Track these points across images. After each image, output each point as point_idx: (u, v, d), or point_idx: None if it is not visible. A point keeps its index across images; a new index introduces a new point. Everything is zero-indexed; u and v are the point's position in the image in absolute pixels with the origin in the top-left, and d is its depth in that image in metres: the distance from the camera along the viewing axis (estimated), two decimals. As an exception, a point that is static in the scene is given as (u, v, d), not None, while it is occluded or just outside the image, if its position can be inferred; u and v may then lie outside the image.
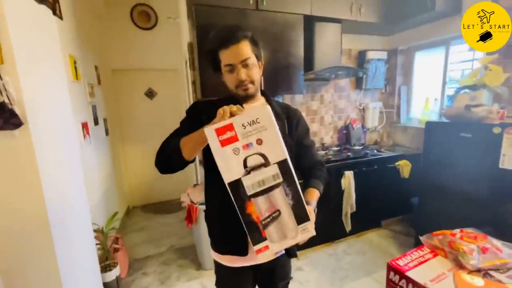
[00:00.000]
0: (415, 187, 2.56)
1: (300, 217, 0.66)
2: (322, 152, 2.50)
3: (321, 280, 2.01)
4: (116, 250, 2.05)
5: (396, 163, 2.59)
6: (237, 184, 0.63)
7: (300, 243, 0.71)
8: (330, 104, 2.91)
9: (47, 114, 1.21)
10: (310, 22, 2.32)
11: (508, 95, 1.89)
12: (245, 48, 0.87)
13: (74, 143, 1.55)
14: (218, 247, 1.01)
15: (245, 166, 0.62)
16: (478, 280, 0.78)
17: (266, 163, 0.62)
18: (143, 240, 2.74)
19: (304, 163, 1.07)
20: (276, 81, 2.21)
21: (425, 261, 1.17)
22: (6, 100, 0.92)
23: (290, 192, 0.64)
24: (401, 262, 1.16)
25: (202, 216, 2.02)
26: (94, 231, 1.80)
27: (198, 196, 2.10)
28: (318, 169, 1.07)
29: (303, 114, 3.07)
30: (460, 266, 1.10)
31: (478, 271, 1.04)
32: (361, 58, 2.90)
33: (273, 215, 0.64)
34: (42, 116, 1.14)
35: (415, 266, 1.13)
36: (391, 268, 1.15)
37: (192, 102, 2.26)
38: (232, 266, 0.99)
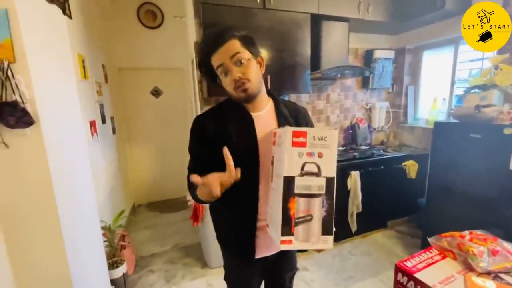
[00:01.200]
0: (422, 188, 2.55)
1: (326, 229, 0.74)
2: (327, 152, 2.49)
3: (326, 280, 2.00)
4: (123, 247, 2.07)
5: (403, 164, 2.57)
6: (290, 180, 0.71)
7: (317, 251, 0.79)
8: (336, 103, 2.89)
9: (57, 112, 1.22)
10: (317, 21, 2.30)
11: (519, 95, 1.86)
12: (234, 46, 0.82)
13: (82, 141, 1.57)
14: (227, 248, 1.03)
15: (302, 169, 0.71)
16: (490, 283, 0.77)
17: (318, 174, 0.71)
18: (148, 238, 2.77)
19: None
20: (282, 81, 2.20)
21: (434, 262, 1.16)
22: (19, 99, 0.94)
23: (326, 205, 0.73)
24: (409, 264, 1.15)
25: (208, 215, 2.03)
26: (102, 228, 1.82)
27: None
28: None
29: (309, 113, 3.06)
30: (469, 268, 1.08)
31: (488, 273, 1.03)
32: (368, 57, 2.88)
33: (306, 217, 0.72)
34: (52, 115, 1.15)
35: (424, 267, 1.12)
36: (399, 269, 1.14)
37: (198, 101, 2.27)
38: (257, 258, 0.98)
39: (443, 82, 2.71)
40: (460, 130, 1.97)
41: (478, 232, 1.27)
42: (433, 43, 2.75)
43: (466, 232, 1.25)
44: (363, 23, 2.49)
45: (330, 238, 0.75)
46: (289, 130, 0.71)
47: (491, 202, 1.79)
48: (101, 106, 2.50)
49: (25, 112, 0.95)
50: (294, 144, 0.71)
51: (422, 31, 2.72)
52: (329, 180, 0.72)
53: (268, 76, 2.08)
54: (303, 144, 0.71)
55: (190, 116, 3.28)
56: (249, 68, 0.84)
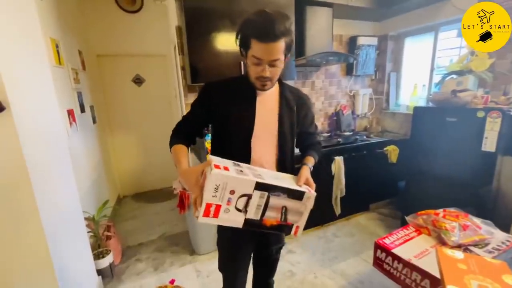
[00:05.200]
0: (402, 171, 2.65)
1: (298, 196, 0.84)
2: (313, 138, 2.53)
3: (311, 262, 2.08)
4: (108, 237, 2.05)
5: (385, 149, 2.65)
6: (247, 222, 0.80)
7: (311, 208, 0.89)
8: (321, 90, 2.92)
9: (30, 99, 1.16)
10: (301, 5, 2.27)
11: (492, 80, 1.94)
12: (279, 49, 0.84)
13: (60, 130, 1.51)
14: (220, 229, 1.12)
15: (240, 210, 0.78)
16: (459, 253, 0.83)
17: (249, 195, 0.77)
18: (135, 228, 2.75)
19: (305, 144, 1.17)
20: (267, 67, 2.19)
21: (410, 239, 1.24)
22: (-15, 84, 0.88)
23: (279, 192, 0.80)
24: (387, 241, 1.22)
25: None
26: (85, 219, 1.78)
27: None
28: (315, 145, 1.16)
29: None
30: (442, 242, 1.16)
31: (459, 247, 1.11)
32: (352, 44, 2.89)
33: (283, 211, 0.83)
34: (25, 101, 1.10)
35: (401, 244, 1.19)
36: (378, 246, 1.21)
37: (182, 88, 2.22)
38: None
39: (423, 68, 2.79)
40: (437, 114, 2.05)
41: (451, 209, 1.36)
42: (415, 30, 2.80)
43: (440, 210, 1.33)
44: (347, 9, 2.49)
45: (306, 194, 0.86)
46: (202, 219, 0.76)
47: (465, 182, 1.89)
48: (79, 94, 2.40)
49: (-7, 98, 0.90)
50: (215, 215, 0.78)
51: (404, 18, 2.75)
52: (257, 186, 0.77)
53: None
54: (218, 208, 0.77)
55: (174, 104, 3.21)
56: (278, 69, 0.91)
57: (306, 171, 0.96)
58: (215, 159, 0.80)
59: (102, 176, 2.88)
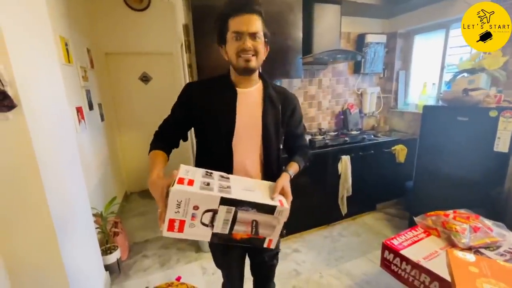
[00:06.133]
0: (410, 171, 2.61)
1: (269, 210, 0.79)
2: (319, 137, 2.50)
3: (317, 261, 2.07)
4: (116, 234, 2.08)
5: (392, 148, 2.61)
6: (215, 236, 0.77)
7: (285, 221, 0.84)
8: (328, 89, 2.89)
9: (40, 96, 1.18)
10: (309, 2, 2.25)
11: (506, 78, 1.89)
12: (257, 22, 0.86)
13: (69, 127, 1.53)
14: None
15: (206, 225, 0.75)
16: (470, 256, 0.81)
17: (214, 210, 0.74)
18: (142, 224, 2.78)
19: (292, 146, 1.12)
20: (274, 65, 2.17)
21: (419, 240, 1.22)
22: (-3, 81, 0.90)
23: (248, 207, 0.76)
24: (395, 242, 1.20)
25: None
26: (93, 215, 1.81)
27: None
28: (303, 149, 1.11)
29: (300, 99, 3.01)
30: (452, 244, 1.14)
31: (469, 249, 1.09)
32: (360, 41, 2.85)
33: (254, 225, 0.79)
34: (35, 99, 1.11)
35: (409, 245, 1.17)
36: (386, 247, 1.19)
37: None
38: None
39: (433, 67, 2.73)
40: (448, 113, 2.00)
41: (462, 211, 1.33)
42: (425, 27, 2.74)
43: (450, 211, 1.30)
44: (355, 6, 2.45)
45: (278, 207, 0.81)
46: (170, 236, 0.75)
47: (476, 183, 1.85)
48: (88, 92, 2.43)
49: (5, 95, 0.91)
50: (180, 230, 0.75)
51: (414, 15, 2.70)
52: (223, 201, 0.74)
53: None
54: (182, 224, 0.74)
55: (181, 103, 3.22)
56: (260, 44, 0.89)
57: (284, 180, 0.89)
58: (182, 171, 0.77)
59: (109, 173, 2.91)
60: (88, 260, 1.55)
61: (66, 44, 1.96)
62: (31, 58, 1.15)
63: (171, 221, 0.72)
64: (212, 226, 0.76)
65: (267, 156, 0.99)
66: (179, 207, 0.71)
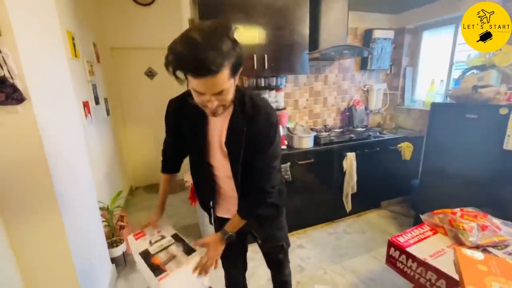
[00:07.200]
0: (416, 169, 2.59)
1: (189, 250, 1.03)
2: (324, 134, 2.49)
3: (321, 257, 2.07)
4: (121, 227, 2.10)
5: (398, 145, 2.59)
6: (144, 253, 1.01)
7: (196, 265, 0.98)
8: (334, 85, 2.86)
9: (49, 90, 1.19)
10: (316, -3, 2.22)
11: (517, 76, 1.85)
12: (222, 80, 0.69)
13: (76, 121, 1.54)
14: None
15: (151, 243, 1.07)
16: (479, 254, 0.80)
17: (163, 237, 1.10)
18: (147, 218, 2.80)
19: (249, 184, 0.96)
20: (280, 60, 2.15)
21: (425, 238, 1.21)
22: (7, 74, 0.91)
23: (180, 244, 1.06)
24: (401, 239, 1.19)
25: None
26: (100, 208, 1.83)
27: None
28: (254, 196, 0.97)
29: (306, 95, 2.97)
30: (459, 243, 1.13)
31: (476, 247, 1.08)
32: (367, 37, 2.81)
33: (170, 257, 0.98)
34: (44, 92, 1.12)
35: (415, 242, 1.17)
36: (391, 244, 1.19)
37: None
38: (220, 216, 1.18)
39: (441, 63, 2.68)
40: (456, 110, 1.97)
41: (469, 209, 1.31)
42: (433, 23, 2.69)
43: (458, 209, 1.29)
44: (363, 1, 2.41)
45: (197, 254, 1.02)
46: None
47: (485, 182, 1.82)
48: (94, 86, 2.44)
49: (14, 88, 0.92)
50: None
51: (422, 10, 2.65)
52: (174, 236, 1.13)
53: (265, 56, 2.03)
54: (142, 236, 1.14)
55: (186, 98, 3.22)
56: (228, 94, 0.76)
57: (210, 239, 1.02)
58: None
59: (115, 167, 2.94)
60: (95, 253, 1.58)
61: (73, 39, 1.97)
62: (40, 52, 1.16)
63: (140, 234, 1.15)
64: (151, 245, 1.07)
65: (237, 180, 0.96)
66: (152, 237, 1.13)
